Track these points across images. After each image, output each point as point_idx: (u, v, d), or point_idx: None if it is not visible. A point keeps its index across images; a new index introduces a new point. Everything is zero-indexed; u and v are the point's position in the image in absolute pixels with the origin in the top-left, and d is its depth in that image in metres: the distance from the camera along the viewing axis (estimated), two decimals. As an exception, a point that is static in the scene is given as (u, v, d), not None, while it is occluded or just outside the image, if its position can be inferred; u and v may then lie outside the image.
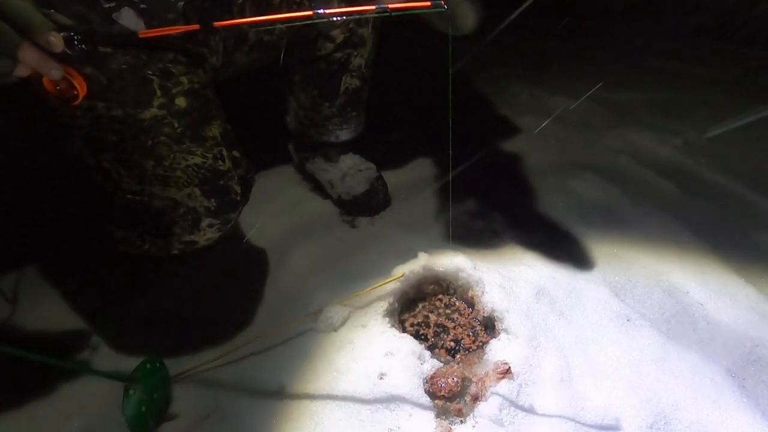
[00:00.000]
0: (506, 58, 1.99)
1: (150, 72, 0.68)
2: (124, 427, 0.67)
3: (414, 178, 1.27)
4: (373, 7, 0.62)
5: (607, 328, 0.84)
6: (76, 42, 0.53)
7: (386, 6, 0.61)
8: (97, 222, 0.82)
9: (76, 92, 0.57)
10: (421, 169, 1.32)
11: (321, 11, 0.60)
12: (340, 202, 1.15)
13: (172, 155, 0.72)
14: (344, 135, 1.13)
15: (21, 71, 0.50)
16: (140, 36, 0.58)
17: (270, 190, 1.20)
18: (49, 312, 0.87)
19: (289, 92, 1.10)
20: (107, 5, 0.62)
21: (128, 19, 0.64)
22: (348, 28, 0.95)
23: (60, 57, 0.53)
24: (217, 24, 0.58)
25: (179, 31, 0.59)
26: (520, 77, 1.84)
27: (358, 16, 0.60)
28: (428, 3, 0.60)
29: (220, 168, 0.76)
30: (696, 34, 2.17)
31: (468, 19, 0.74)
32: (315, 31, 0.94)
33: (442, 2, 0.60)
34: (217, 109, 0.79)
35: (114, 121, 0.68)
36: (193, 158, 0.73)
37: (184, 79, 0.72)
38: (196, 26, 0.58)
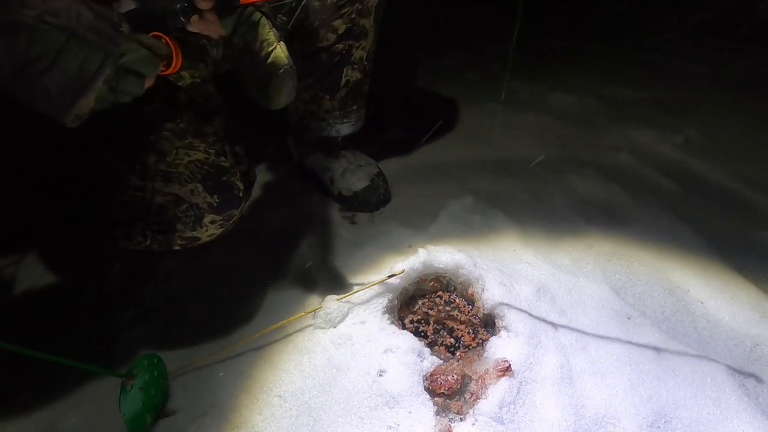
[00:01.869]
0: (506, 53, 1.98)
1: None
2: (121, 423, 0.67)
3: (414, 174, 1.26)
4: None
5: (608, 326, 0.84)
6: (188, 10, 0.57)
7: None
8: (99, 217, 0.81)
9: (172, 62, 0.60)
10: (422, 165, 1.31)
11: None
12: (340, 198, 1.14)
13: (174, 150, 0.71)
14: (345, 129, 1.12)
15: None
16: (242, 2, 0.60)
17: (269, 186, 1.19)
18: (46, 308, 0.86)
19: None
20: None
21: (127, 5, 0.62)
22: (350, 18, 0.94)
23: (169, 26, 0.58)
24: None
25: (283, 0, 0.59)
26: (521, 73, 1.83)
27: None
28: None
29: (223, 164, 0.75)
30: (697, 32, 2.16)
31: (281, 95, 0.73)
32: (317, 21, 0.93)
33: None
34: (219, 104, 0.78)
35: (115, 115, 0.67)
36: (195, 154, 0.72)
37: (185, 74, 0.71)
38: None
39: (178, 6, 0.57)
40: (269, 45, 0.69)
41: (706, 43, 2.09)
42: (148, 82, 0.58)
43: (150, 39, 0.57)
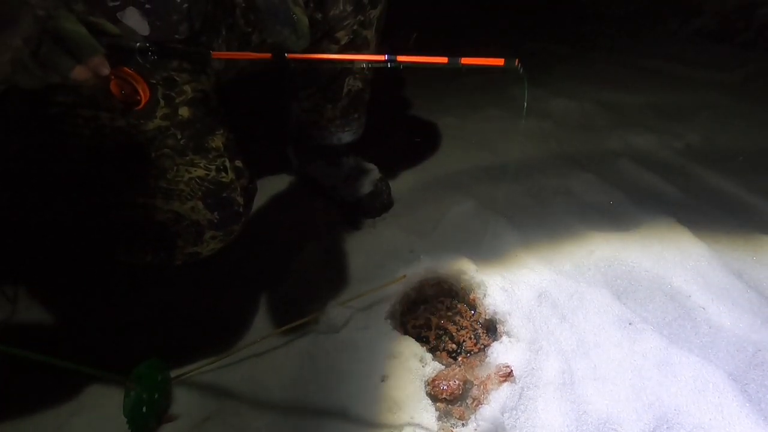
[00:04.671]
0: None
1: (154, 80, 0.67)
2: (124, 427, 0.67)
3: (416, 180, 1.27)
4: (445, 59, 0.62)
5: (609, 331, 0.84)
6: (150, 53, 0.57)
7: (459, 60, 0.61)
8: (100, 232, 0.81)
9: (139, 98, 0.60)
10: (424, 170, 1.31)
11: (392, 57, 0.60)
12: (343, 204, 1.14)
13: (175, 168, 0.71)
14: (346, 137, 1.13)
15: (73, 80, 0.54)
16: (213, 56, 0.60)
17: (271, 193, 1.19)
18: (49, 313, 0.87)
19: (291, 95, 1.10)
20: (112, 4, 0.61)
21: (133, 19, 0.63)
22: (352, 29, 0.95)
23: (131, 65, 0.58)
24: (289, 56, 0.60)
25: (251, 57, 0.60)
26: (522, 78, 1.83)
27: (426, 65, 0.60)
28: (501, 61, 0.61)
29: (223, 180, 0.75)
30: (697, 37, 2.17)
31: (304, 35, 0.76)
32: (319, 33, 0.94)
33: (516, 62, 0.60)
34: (220, 118, 0.78)
35: (117, 132, 0.68)
36: (196, 170, 0.73)
37: (187, 88, 0.71)
38: (267, 55, 0.60)
39: (138, 45, 0.56)
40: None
41: (706, 48, 2.10)
42: (81, 72, 0.52)
43: (104, 23, 0.54)
